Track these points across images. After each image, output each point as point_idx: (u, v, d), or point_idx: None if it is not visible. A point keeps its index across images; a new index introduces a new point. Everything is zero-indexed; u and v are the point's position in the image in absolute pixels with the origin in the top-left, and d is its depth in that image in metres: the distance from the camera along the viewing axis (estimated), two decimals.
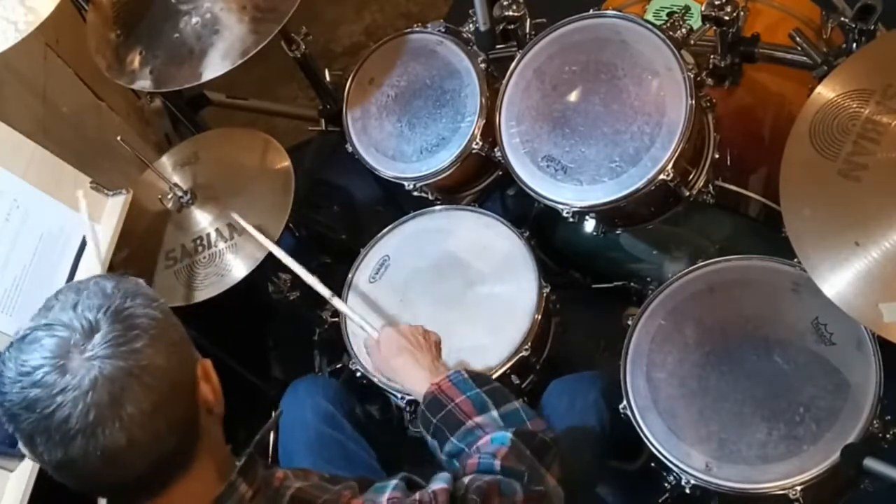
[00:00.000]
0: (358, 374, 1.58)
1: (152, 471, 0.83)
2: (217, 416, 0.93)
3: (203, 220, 1.77)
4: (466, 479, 0.99)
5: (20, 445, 0.83)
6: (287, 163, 1.80)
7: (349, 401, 1.59)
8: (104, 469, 0.81)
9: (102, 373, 0.78)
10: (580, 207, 1.50)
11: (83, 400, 0.78)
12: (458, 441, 1.12)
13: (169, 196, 1.77)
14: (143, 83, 1.74)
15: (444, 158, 1.68)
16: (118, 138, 1.59)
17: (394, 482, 1.00)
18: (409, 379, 1.26)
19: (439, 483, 0.98)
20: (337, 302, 1.46)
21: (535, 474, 1.02)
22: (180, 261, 1.75)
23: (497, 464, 1.02)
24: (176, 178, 1.81)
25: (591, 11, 1.58)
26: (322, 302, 1.89)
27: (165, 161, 1.89)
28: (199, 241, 1.75)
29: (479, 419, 1.12)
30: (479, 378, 1.19)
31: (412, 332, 1.31)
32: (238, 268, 1.70)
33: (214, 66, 1.67)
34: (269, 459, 1.39)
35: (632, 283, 1.82)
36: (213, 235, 1.74)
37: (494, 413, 1.13)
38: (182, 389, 0.85)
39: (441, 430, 1.15)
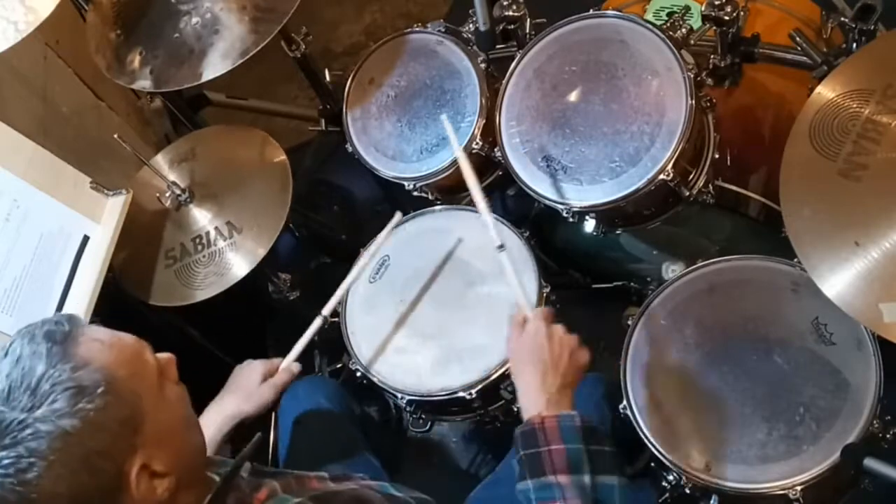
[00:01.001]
0: (358, 374, 1.57)
1: None
2: (172, 483, 0.86)
3: (202, 218, 1.77)
4: None
5: None
6: (283, 157, 1.80)
7: (349, 400, 1.59)
8: None
9: None
10: (580, 207, 1.50)
11: None
12: (533, 488, 1.04)
13: (167, 194, 1.77)
14: (143, 83, 1.74)
15: (444, 158, 1.68)
16: (115, 136, 1.59)
17: (386, 485, 0.97)
18: (525, 392, 1.16)
19: None
20: (503, 257, 1.31)
21: None
22: (180, 260, 1.75)
23: None
24: (173, 176, 1.80)
25: (591, 11, 1.58)
26: (322, 302, 1.90)
27: (161, 158, 1.88)
28: (198, 240, 1.75)
29: (563, 479, 1.03)
30: (591, 434, 1.09)
31: (560, 345, 1.19)
32: (238, 266, 1.69)
33: (214, 66, 1.66)
34: (270, 460, 1.39)
35: (632, 283, 1.82)
36: (213, 234, 1.74)
37: (587, 479, 1.03)
38: (94, 500, 0.80)
39: (522, 464, 1.08)
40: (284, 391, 1.37)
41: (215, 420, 1.29)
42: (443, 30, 1.78)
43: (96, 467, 0.79)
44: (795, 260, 1.33)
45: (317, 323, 1.51)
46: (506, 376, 1.50)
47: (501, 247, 1.33)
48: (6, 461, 0.75)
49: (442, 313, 1.59)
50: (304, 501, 0.93)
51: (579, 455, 1.05)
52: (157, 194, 1.78)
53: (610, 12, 1.57)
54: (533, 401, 1.13)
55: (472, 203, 1.76)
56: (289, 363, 1.41)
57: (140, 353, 0.87)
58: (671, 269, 1.67)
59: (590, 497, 1.02)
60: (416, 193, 1.74)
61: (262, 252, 1.68)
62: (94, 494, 0.79)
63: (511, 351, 1.24)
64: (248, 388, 1.34)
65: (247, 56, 1.63)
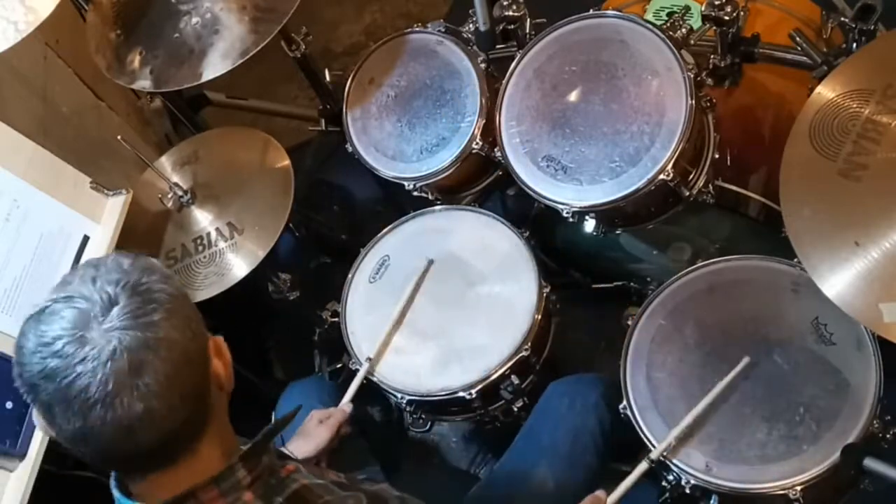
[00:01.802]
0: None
1: (163, 443, 0.85)
2: (226, 394, 0.94)
3: (203, 219, 1.77)
4: None
5: (35, 417, 0.85)
6: (287, 162, 1.80)
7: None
8: (118, 439, 0.82)
9: (121, 343, 0.80)
10: (580, 207, 1.50)
11: (102, 370, 0.79)
12: None
13: (169, 196, 1.77)
14: (143, 83, 1.74)
15: (444, 158, 1.68)
16: (118, 137, 1.59)
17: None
18: None
19: None
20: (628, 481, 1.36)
21: None
22: (181, 260, 1.75)
23: None
24: (176, 178, 1.81)
25: (591, 11, 1.58)
26: (322, 302, 1.90)
27: (165, 161, 1.89)
28: (199, 241, 1.75)
29: None
30: None
31: None
32: (238, 267, 1.70)
33: (214, 66, 1.66)
34: None
35: (632, 283, 1.82)
36: (214, 235, 1.75)
37: None
38: (195, 363, 0.87)
39: None
40: (340, 427, 1.44)
41: None
42: (443, 30, 1.78)
43: (194, 330, 0.87)
44: (795, 260, 1.33)
45: (365, 367, 1.55)
46: (506, 376, 1.50)
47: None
48: (132, 307, 0.82)
49: (442, 313, 1.59)
50: (327, 483, 0.98)
51: None
52: (159, 195, 1.78)
53: (610, 12, 1.57)
54: None
55: (472, 203, 1.78)
56: (343, 405, 1.49)
57: None
58: (671, 270, 1.68)
59: None
60: (416, 193, 1.74)
61: (262, 253, 1.68)
62: (196, 353, 0.87)
63: None
64: (307, 430, 1.43)
65: (247, 56, 1.63)
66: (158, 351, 0.82)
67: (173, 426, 0.84)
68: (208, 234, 1.75)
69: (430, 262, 1.63)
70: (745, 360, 1.33)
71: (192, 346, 0.86)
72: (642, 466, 1.34)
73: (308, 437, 1.40)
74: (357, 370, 1.57)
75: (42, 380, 0.80)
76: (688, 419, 1.33)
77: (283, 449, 1.25)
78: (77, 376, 0.79)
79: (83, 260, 1.56)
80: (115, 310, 0.81)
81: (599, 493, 1.32)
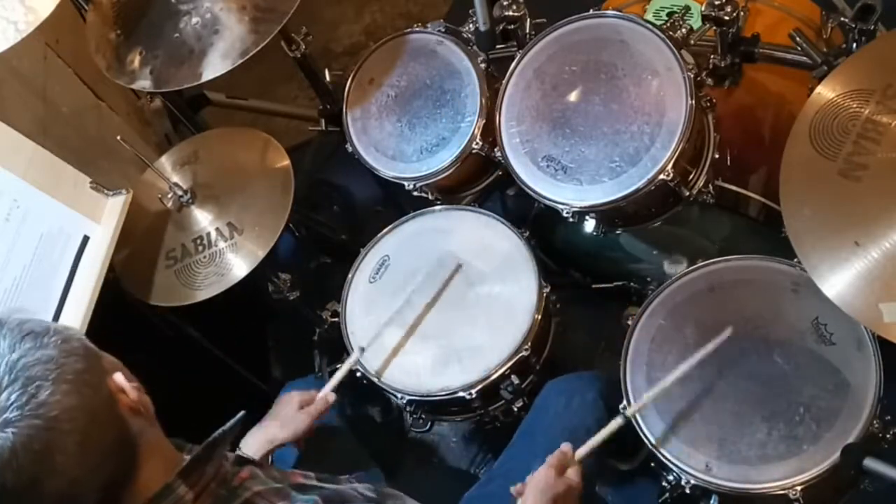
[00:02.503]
0: (358, 374, 1.58)
1: (105, 495, 0.84)
2: (148, 416, 0.92)
3: (203, 219, 1.77)
4: None
5: None
6: (287, 162, 1.80)
7: (342, 402, 1.59)
8: None
9: (19, 438, 0.78)
10: (580, 207, 1.50)
11: (10, 468, 0.78)
12: None
13: (169, 195, 1.77)
14: (143, 83, 1.74)
15: (444, 158, 1.68)
16: (118, 137, 1.59)
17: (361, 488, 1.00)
18: None
19: None
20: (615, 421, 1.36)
21: None
22: (180, 260, 1.75)
23: None
24: (176, 178, 1.80)
25: (591, 11, 1.58)
26: (322, 302, 1.90)
27: (165, 161, 1.89)
28: (199, 241, 1.75)
29: None
30: None
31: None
32: (238, 267, 1.70)
33: (214, 66, 1.66)
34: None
35: (632, 283, 1.82)
36: (214, 235, 1.74)
37: None
38: (103, 415, 0.85)
39: None
40: (320, 418, 1.43)
41: (253, 444, 1.35)
42: (443, 30, 1.78)
43: (90, 382, 0.84)
44: (795, 260, 1.33)
45: (354, 355, 1.54)
46: (506, 376, 1.50)
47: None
48: (15, 395, 0.79)
49: (442, 313, 1.59)
50: (285, 487, 0.96)
51: None
52: (159, 195, 1.78)
53: (610, 12, 1.57)
54: None
55: (472, 203, 1.78)
56: (325, 393, 1.46)
57: None
58: (671, 270, 1.68)
59: None
60: (416, 193, 1.74)
61: (261, 253, 1.68)
62: (99, 405, 0.84)
63: (542, 480, 1.27)
64: (285, 415, 1.40)
65: (247, 56, 1.63)
66: (59, 427, 0.80)
67: (105, 478, 0.84)
68: (208, 234, 1.75)
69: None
70: (728, 331, 1.32)
71: (92, 401, 0.84)
72: (616, 422, 1.34)
73: (286, 424, 1.38)
74: (357, 370, 1.57)
75: None
76: (669, 379, 1.33)
77: (241, 453, 1.23)
78: None
79: (83, 260, 1.56)
80: (0, 402, 0.78)
81: (565, 446, 1.32)
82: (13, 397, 0.79)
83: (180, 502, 0.88)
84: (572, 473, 1.29)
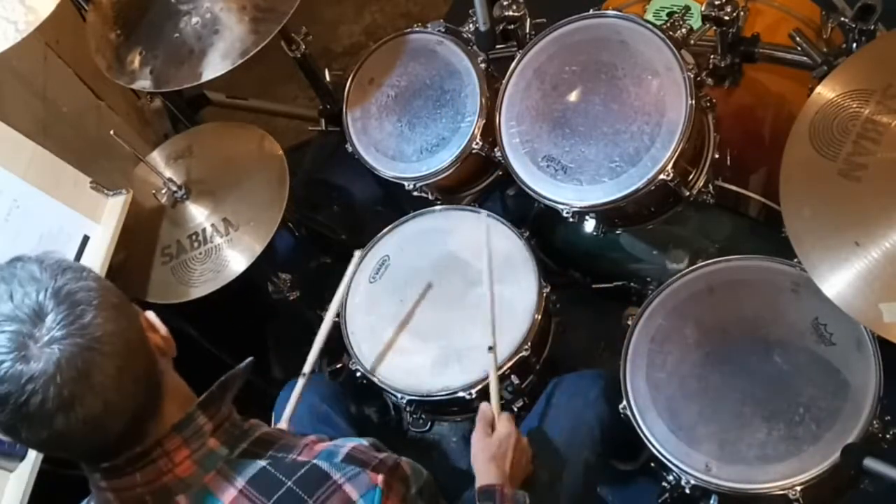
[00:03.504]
0: (358, 374, 1.58)
1: (132, 423, 0.88)
2: (169, 358, 0.97)
3: (199, 215, 1.77)
4: None
5: (1, 436, 0.87)
6: (280, 153, 1.79)
7: (345, 400, 1.59)
8: (88, 436, 0.85)
9: (64, 355, 0.81)
10: (580, 207, 1.50)
11: (53, 383, 0.80)
12: None
13: (163, 191, 1.76)
14: (143, 83, 1.74)
15: (444, 158, 1.68)
16: (111, 132, 1.59)
17: (365, 438, 1.03)
18: (488, 473, 1.28)
19: (414, 462, 1.01)
20: (491, 371, 1.40)
21: None
22: (176, 257, 1.74)
23: None
24: (170, 173, 1.80)
25: (591, 11, 1.58)
26: (322, 302, 1.89)
27: (157, 155, 1.88)
28: (194, 237, 1.74)
29: None
30: None
31: (521, 453, 1.33)
32: (235, 262, 1.69)
33: (214, 66, 1.67)
34: None
35: (632, 283, 1.82)
36: (209, 230, 1.74)
37: None
38: (137, 345, 0.89)
39: None
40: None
41: None
42: (443, 30, 1.78)
43: (126, 313, 0.89)
44: (795, 260, 1.33)
45: (331, 315, 1.54)
46: (506, 376, 1.50)
47: (491, 348, 1.41)
48: (61, 315, 0.82)
49: (442, 313, 1.59)
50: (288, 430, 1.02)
51: None
52: (154, 191, 1.78)
53: (610, 12, 1.57)
54: (494, 478, 1.27)
55: (472, 203, 1.77)
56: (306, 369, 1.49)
57: None
58: (671, 270, 1.68)
59: None
60: (416, 193, 1.74)
61: (258, 248, 1.67)
62: (135, 336, 0.89)
63: (478, 445, 1.33)
64: None
65: (247, 56, 1.63)
66: (101, 349, 0.83)
67: (135, 408, 0.88)
68: (204, 230, 1.74)
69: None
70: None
71: (130, 331, 0.88)
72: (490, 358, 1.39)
73: None
74: (357, 370, 1.57)
75: None
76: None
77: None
78: (31, 394, 0.80)
79: (83, 260, 1.56)
80: (47, 322, 0.82)
81: (483, 405, 1.37)
82: (59, 318, 0.82)
83: (200, 431, 0.93)
84: (501, 426, 1.33)
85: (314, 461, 0.94)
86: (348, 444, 0.99)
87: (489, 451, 1.30)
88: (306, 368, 1.50)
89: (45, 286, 0.84)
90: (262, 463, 0.94)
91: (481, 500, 1.22)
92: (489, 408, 1.37)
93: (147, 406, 0.90)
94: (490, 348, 1.40)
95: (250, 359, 1.04)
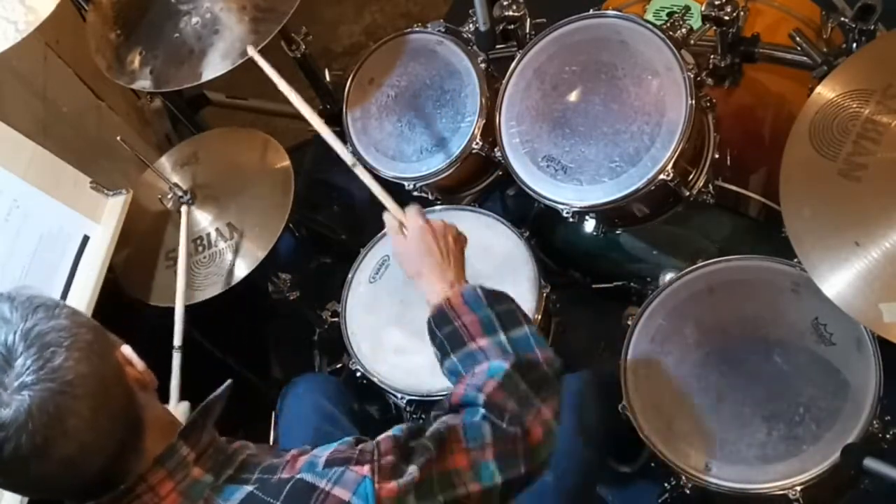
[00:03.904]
0: (358, 374, 1.58)
1: (112, 461, 0.86)
2: (151, 391, 0.95)
3: (203, 219, 1.77)
4: (428, 428, 0.99)
5: None
6: (287, 162, 1.80)
7: (349, 398, 1.59)
8: (67, 477, 0.84)
9: (34, 401, 0.80)
10: (580, 207, 1.50)
11: (25, 430, 0.79)
12: (458, 361, 1.09)
13: (169, 196, 1.77)
14: (143, 83, 1.74)
15: (444, 158, 1.68)
16: (118, 138, 1.59)
17: (343, 439, 1.00)
18: (427, 285, 1.19)
19: (387, 433, 0.97)
20: (359, 171, 1.35)
21: (525, 409, 1.00)
22: None
23: (482, 397, 1.00)
24: (176, 178, 1.81)
25: (591, 11, 1.58)
26: (322, 302, 1.90)
27: (165, 161, 1.89)
28: (199, 241, 1.75)
29: (483, 342, 1.08)
30: (493, 297, 1.14)
31: (444, 234, 1.23)
32: (238, 267, 1.70)
33: (214, 66, 1.66)
34: None
35: (632, 283, 1.82)
36: (214, 235, 1.74)
37: (502, 336, 1.08)
38: (112, 382, 0.87)
39: (444, 346, 1.12)
40: None
41: None
42: (443, 30, 1.77)
43: (100, 351, 0.87)
44: (795, 260, 1.33)
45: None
46: None
47: (354, 164, 1.34)
48: (31, 360, 0.81)
49: None
50: (276, 449, 1.00)
51: (489, 318, 1.10)
52: (159, 196, 1.79)
53: (610, 12, 1.57)
54: (436, 289, 1.17)
55: (472, 203, 1.77)
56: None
57: None
58: (671, 270, 1.67)
59: (510, 352, 1.07)
60: (416, 193, 1.74)
61: (261, 254, 1.68)
62: (110, 374, 0.87)
63: (400, 256, 1.27)
64: None
65: (247, 56, 1.63)
66: (73, 392, 0.81)
67: (114, 445, 0.86)
68: (208, 235, 1.75)
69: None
70: None
71: (104, 370, 0.86)
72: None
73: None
74: (357, 370, 1.57)
75: None
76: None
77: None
78: (3, 442, 0.79)
79: (83, 260, 1.56)
80: (16, 367, 0.80)
81: (385, 214, 1.30)
82: (29, 362, 0.81)
83: (183, 462, 0.91)
84: (411, 221, 1.24)
85: (298, 476, 0.92)
86: (327, 450, 0.96)
87: (414, 252, 1.21)
88: (177, 342, 1.50)
89: (15, 328, 0.82)
90: (248, 488, 0.91)
91: (438, 326, 1.13)
92: (391, 214, 1.28)
93: (127, 442, 0.88)
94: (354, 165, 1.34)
95: (229, 381, 1.01)
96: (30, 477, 0.82)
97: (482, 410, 0.99)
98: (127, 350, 0.94)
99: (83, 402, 0.82)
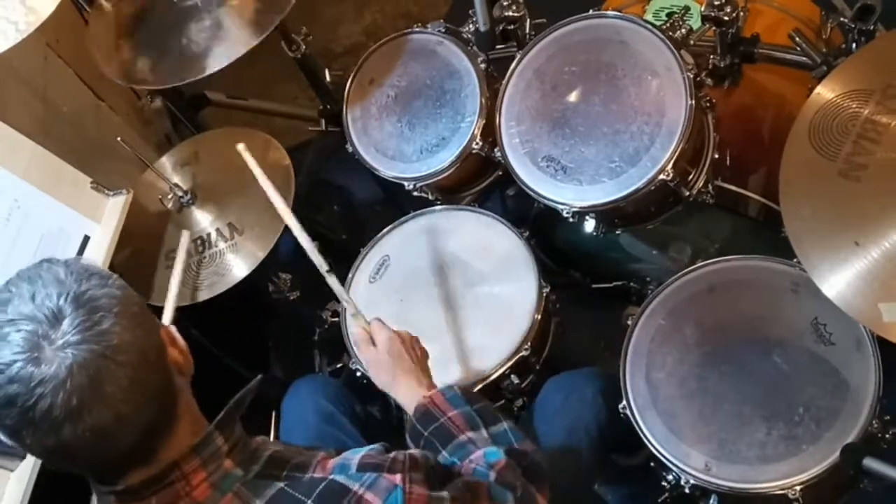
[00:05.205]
0: (358, 373, 1.57)
1: (141, 439, 0.86)
2: (187, 377, 0.96)
3: (203, 220, 1.77)
4: (460, 472, 1.02)
5: (4, 439, 0.84)
6: (287, 162, 1.80)
7: (350, 400, 1.59)
8: (96, 447, 0.83)
9: (77, 360, 0.80)
10: (580, 207, 1.50)
11: (63, 388, 0.79)
12: (450, 454, 1.13)
13: (169, 196, 1.77)
14: (144, 77, 1.74)
15: (444, 158, 1.68)
16: (118, 139, 1.59)
17: (371, 445, 1.02)
18: (403, 390, 1.25)
19: (413, 451, 1.00)
20: (332, 281, 1.37)
21: (527, 494, 1.04)
22: None
23: (493, 475, 1.03)
24: (176, 178, 1.81)
25: (591, 11, 1.58)
26: (322, 302, 1.90)
27: (165, 161, 1.90)
28: (199, 241, 1.75)
29: (471, 434, 1.13)
30: (470, 396, 1.21)
31: (412, 343, 1.30)
32: (238, 267, 1.70)
33: (215, 60, 1.66)
34: None
35: (632, 283, 1.82)
36: (214, 235, 1.75)
37: (484, 432, 1.14)
38: (153, 358, 0.87)
39: (432, 442, 1.15)
40: None
41: None
42: (443, 30, 1.78)
43: (145, 326, 0.87)
44: (795, 260, 1.33)
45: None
46: (506, 376, 1.50)
47: (329, 270, 1.37)
48: (79, 320, 0.81)
49: (442, 313, 1.59)
50: (297, 447, 1.02)
51: (471, 414, 1.16)
52: (160, 196, 1.79)
53: (610, 12, 1.57)
54: (412, 393, 1.23)
55: (472, 203, 1.77)
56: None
57: None
58: (671, 270, 1.68)
59: (499, 443, 1.12)
60: (416, 193, 1.74)
61: (261, 254, 1.68)
62: (151, 349, 0.87)
63: (372, 364, 1.31)
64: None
65: (248, 48, 1.62)
66: (115, 358, 0.82)
67: (147, 422, 0.86)
68: (208, 235, 1.75)
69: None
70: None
71: (147, 343, 0.86)
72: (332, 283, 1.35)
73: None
74: (357, 370, 1.57)
75: (4, 407, 0.80)
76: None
77: None
78: (39, 398, 0.78)
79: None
80: (63, 325, 0.81)
81: (352, 329, 1.36)
82: (77, 321, 0.81)
83: (217, 452, 0.92)
84: (377, 334, 1.29)
85: (331, 477, 0.93)
86: (357, 454, 0.98)
87: (386, 360, 1.26)
88: (166, 319, 1.51)
89: (68, 290, 0.83)
90: (279, 484, 0.92)
91: (424, 426, 1.16)
92: (358, 328, 1.33)
93: (160, 423, 0.88)
94: (328, 271, 1.35)
95: (259, 376, 1.02)
96: (59, 441, 0.80)
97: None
98: (172, 330, 0.95)
99: (123, 370, 0.82)
